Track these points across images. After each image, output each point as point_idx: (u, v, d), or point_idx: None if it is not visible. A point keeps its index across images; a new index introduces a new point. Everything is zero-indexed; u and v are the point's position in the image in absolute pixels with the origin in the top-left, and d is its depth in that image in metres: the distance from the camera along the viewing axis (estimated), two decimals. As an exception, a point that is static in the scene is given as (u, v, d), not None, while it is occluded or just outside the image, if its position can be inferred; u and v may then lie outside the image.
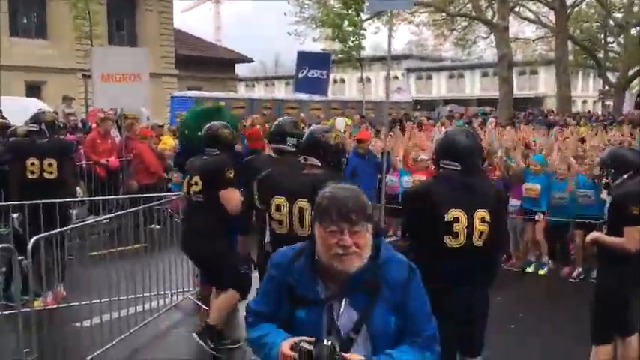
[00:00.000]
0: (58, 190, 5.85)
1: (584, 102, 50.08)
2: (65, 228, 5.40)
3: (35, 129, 5.94)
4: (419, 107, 39.87)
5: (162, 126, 11.80)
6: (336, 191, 2.05)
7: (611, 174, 3.92)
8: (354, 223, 1.98)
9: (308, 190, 3.11)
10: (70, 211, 6.69)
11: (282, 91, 60.47)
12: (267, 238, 3.51)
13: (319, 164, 3.27)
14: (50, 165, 5.88)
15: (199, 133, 4.93)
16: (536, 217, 7.08)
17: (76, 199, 6.31)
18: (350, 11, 20.78)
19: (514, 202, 7.15)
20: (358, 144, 7.55)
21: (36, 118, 6.05)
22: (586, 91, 51.44)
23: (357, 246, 1.99)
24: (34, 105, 13.23)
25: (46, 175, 5.88)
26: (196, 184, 4.51)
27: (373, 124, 14.82)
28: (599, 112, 33.18)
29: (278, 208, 3.26)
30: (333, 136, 3.35)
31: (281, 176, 3.39)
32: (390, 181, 8.28)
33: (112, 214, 6.11)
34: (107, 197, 7.06)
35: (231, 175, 4.37)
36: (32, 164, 5.84)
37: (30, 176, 5.85)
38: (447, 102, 48.79)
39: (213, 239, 4.45)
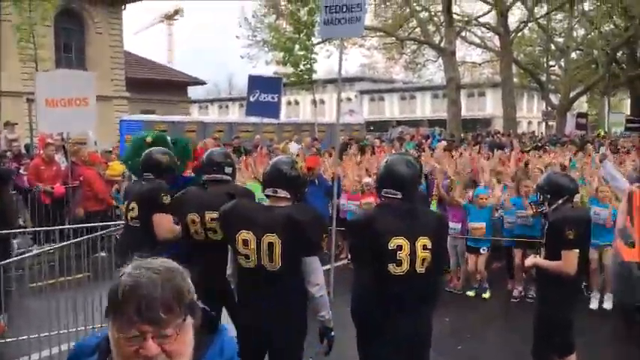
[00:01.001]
0: None
1: (529, 123, 51.81)
2: (6, 261, 5.25)
3: None
4: (372, 128, 40.42)
5: (110, 151, 11.58)
6: (138, 277, 1.40)
7: (548, 199, 4.05)
8: (162, 324, 1.38)
9: (279, 225, 3.16)
10: (12, 240, 6.50)
11: (236, 113, 60.42)
12: (229, 270, 3.48)
13: (289, 196, 3.28)
14: None
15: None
16: (481, 251, 7.16)
17: (17, 231, 6.08)
18: (301, 35, 21.06)
19: (454, 225, 7.18)
20: (308, 171, 7.57)
21: None
22: (531, 112, 53.32)
23: (169, 355, 1.40)
24: (-24, 130, 12.85)
25: None
26: (133, 209, 4.46)
27: (324, 147, 14.93)
28: (543, 133, 34.36)
29: (245, 242, 3.21)
30: (297, 167, 3.40)
31: (247, 209, 3.34)
32: (342, 205, 8.35)
33: (56, 245, 5.94)
34: (51, 228, 6.86)
35: (166, 201, 4.28)
36: None
37: None
38: (399, 123, 49.66)
39: None
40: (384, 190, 3.21)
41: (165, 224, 4.30)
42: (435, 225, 3.24)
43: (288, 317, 3.22)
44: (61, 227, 7.24)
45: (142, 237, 4.34)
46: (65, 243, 5.92)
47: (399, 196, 3.16)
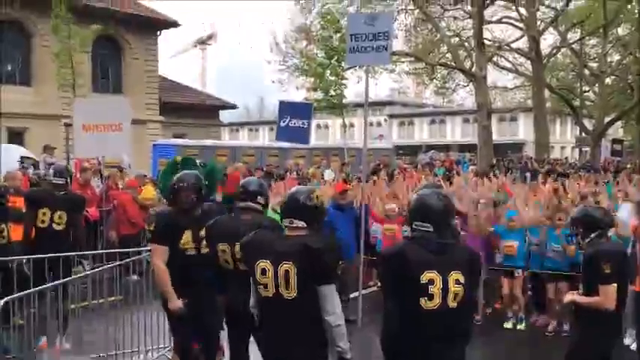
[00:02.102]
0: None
1: (563, 148, 51.02)
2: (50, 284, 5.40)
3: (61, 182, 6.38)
4: (401, 152, 40.34)
5: (145, 175, 11.79)
6: None
7: (581, 232, 4.01)
8: None
9: (295, 253, 3.22)
10: (84, 262, 6.83)
11: (266, 137, 60.95)
12: (252, 302, 3.52)
13: (305, 226, 3.33)
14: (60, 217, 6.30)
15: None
16: (516, 274, 7.09)
17: (51, 255, 6.19)
18: (332, 61, 21.24)
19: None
20: (340, 195, 7.57)
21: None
22: (564, 137, 52.52)
23: None
24: (16, 151, 13.23)
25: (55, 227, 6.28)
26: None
27: (354, 172, 14.95)
28: (577, 159, 33.83)
29: (263, 272, 3.28)
30: (315, 197, 3.43)
31: (265, 239, 3.42)
32: (372, 231, 8.32)
33: (90, 271, 6.05)
34: (85, 252, 7.02)
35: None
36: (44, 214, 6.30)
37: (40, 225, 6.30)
38: (428, 147, 49.46)
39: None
40: (416, 222, 3.21)
41: None
42: (467, 260, 3.23)
43: (306, 346, 3.25)
44: (94, 252, 7.39)
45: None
46: (97, 269, 6.03)
47: (431, 230, 3.15)
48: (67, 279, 5.65)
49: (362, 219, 7.20)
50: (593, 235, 3.95)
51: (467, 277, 3.12)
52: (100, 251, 7.38)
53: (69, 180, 6.53)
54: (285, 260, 3.22)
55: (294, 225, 3.34)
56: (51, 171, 6.62)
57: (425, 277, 3.04)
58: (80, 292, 6.13)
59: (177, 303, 4.34)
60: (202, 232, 4.24)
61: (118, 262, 5.78)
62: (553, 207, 7.26)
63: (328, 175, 13.68)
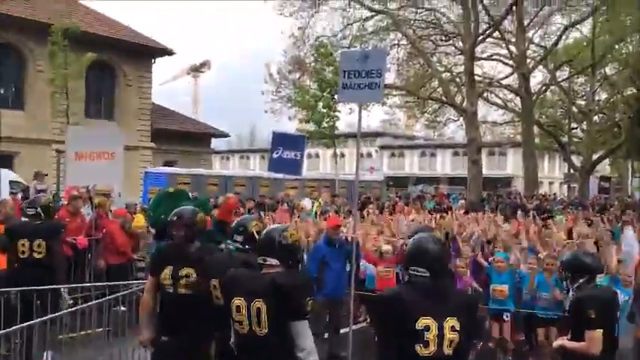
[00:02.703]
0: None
1: (551, 183, 51.45)
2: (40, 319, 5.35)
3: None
4: (391, 184, 40.48)
5: (136, 204, 11.77)
6: None
7: (570, 277, 4.04)
8: None
9: (266, 290, 3.27)
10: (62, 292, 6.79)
11: (257, 165, 61.02)
12: (232, 338, 3.52)
13: (277, 263, 3.38)
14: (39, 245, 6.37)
15: (162, 217, 4.99)
16: (505, 318, 7.05)
17: (40, 288, 6.14)
18: (324, 94, 21.45)
19: None
20: (333, 231, 7.54)
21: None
22: (552, 172, 53.00)
23: None
24: (5, 176, 13.17)
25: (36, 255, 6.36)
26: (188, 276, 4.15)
27: (344, 204, 14.96)
28: (565, 195, 34.09)
29: (238, 309, 3.34)
30: (289, 235, 3.48)
31: (240, 276, 3.47)
32: (361, 266, 8.30)
33: (80, 306, 5.99)
34: (73, 285, 7.02)
35: None
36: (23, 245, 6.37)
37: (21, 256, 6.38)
38: (418, 179, 49.68)
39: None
40: (412, 267, 3.20)
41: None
42: (464, 305, 3.23)
43: None
44: (82, 285, 7.34)
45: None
46: (86, 304, 5.97)
47: (427, 275, 3.15)
48: (57, 314, 5.58)
49: (353, 255, 7.18)
50: (581, 281, 3.98)
51: (463, 324, 3.11)
52: (89, 284, 7.33)
53: (41, 210, 6.52)
54: (256, 298, 3.28)
55: (268, 263, 3.39)
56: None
57: (420, 323, 3.04)
58: (68, 323, 6.06)
59: (141, 336, 4.26)
60: (186, 271, 4.09)
61: (107, 297, 5.72)
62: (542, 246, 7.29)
63: (307, 203, 13.72)
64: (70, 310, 6.04)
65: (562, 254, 6.22)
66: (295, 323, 3.27)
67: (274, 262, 3.39)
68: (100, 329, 6.10)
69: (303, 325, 3.29)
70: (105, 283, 6.58)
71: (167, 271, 4.14)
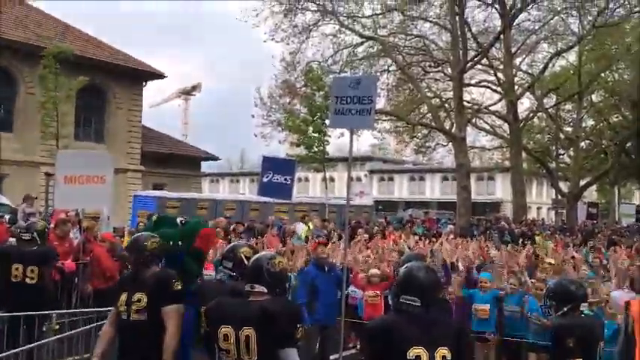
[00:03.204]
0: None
1: (539, 208, 51.74)
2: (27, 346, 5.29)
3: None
4: (380, 208, 40.55)
5: (124, 228, 11.71)
6: None
7: (554, 305, 4.04)
8: None
9: (255, 318, 3.26)
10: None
11: (247, 188, 60.92)
12: None
13: (266, 291, 3.38)
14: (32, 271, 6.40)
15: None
16: (487, 336, 7.04)
17: (28, 313, 6.09)
18: (315, 118, 21.59)
19: None
20: (317, 252, 7.52)
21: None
22: (540, 197, 53.35)
23: None
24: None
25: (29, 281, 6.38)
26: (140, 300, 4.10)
27: (335, 229, 14.97)
28: (553, 220, 34.30)
29: (225, 337, 3.31)
30: (277, 263, 3.49)
31: (227, 305, 3.45)
32: (352, 292, 8.28)
33: (67, 333, 5.93)
34: (62, 311, 7.00)
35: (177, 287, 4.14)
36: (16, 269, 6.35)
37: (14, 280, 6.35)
38: (407, 204, 49.81)
39: None
40: (403, 297, 3.19)
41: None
42: (455, 335, 3.21)
43: None
44: (69, 311, 7.29)
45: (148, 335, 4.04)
46: (73, 331, 5.92)
47: (419, 304, 3.14)
48: (44, 340, 5.52)
49: (344, 281, 7.16)
50: (566, 309, 3.97)
51: (453, 353, 3.10)
52: (77, 310, 7.27)
53: (37, 235, 6.56)
54: (245, 326, 3.26)
55: (255, 290, 3.39)
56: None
57: (412, 352, 3.02)
58: (56, 349, 6.00)
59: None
60: (138, 296, 4.05)
61: (94, 324, 5.65)
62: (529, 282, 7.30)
63: (300, 229, 13.70)
64: (57, 337, 5.98)
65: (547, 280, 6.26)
66: (285, 351, 3.26)
67: (262, 289, 3.38)
68: (87, 355, 6.01)
69: (292, 353, 3.28)
70: (92, 309, 6.50)
71: (123, 297, 4.13)
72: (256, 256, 3.66)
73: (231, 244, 4.59)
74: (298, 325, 3.34)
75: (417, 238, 12.60)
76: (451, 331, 3.24)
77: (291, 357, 3.27)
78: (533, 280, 7.38)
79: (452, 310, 7.12)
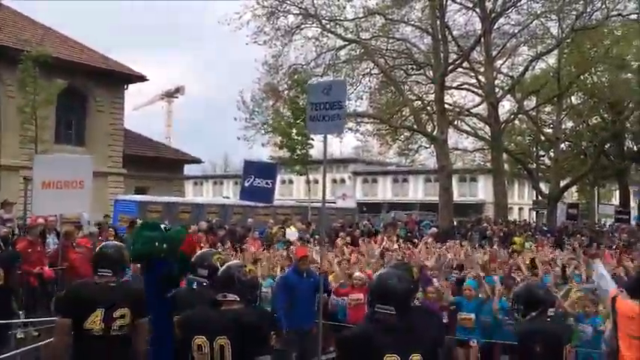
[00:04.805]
0: None
1: (521, 209, 52.23)
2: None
3: None
4: (364, 209, 40.60)
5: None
6: None
7: (522, 310, 4.07)
8: None
9: (229, 327, 3.29)
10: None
11: (230, 191, 60.71)
12: None
13: (237, 299, 3.41)
14: None
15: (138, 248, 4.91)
16: (471, 343, 7.10)
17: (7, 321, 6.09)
18: (299, 121, 21.59)
19: None
20: (300, 261, 7.53)
21: None
22: (522, 198, 53.85)
23: None
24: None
25: None
26: (123, 316, 3.97)
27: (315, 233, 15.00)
28: (534, 220, 34.63)
29: (200, 348, 3.32)
30: (247, 271, 3.57)
31: (200, 315, 3.47)
32: (332, 299, 8.28)
33: (41, 343, 5.91)
34: (40, 319, 7.02)
35: None
36: None
37: None
38: (391, 205, 49.98)
39: None
40: (377, 305, 3.22)
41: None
42: (429, 340, 3.27)
43: None
44: (48, 319, 7.26)
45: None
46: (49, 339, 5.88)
47: (393, 312, 3.18)
48: (20, 350, 5.52)
49: (321, 285, 7.19)
50: (533, 314, 3.99)
51: (427, 357, 3.16)
52: (54, 318, 7.22)
53: (0, 241, 7.18)
54: (219, 335, 3.28)
55: (228, 299, 3.42)
56: None
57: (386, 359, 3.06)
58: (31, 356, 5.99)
59: None
60: (120, 312, 3.94)
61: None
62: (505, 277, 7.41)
63: (291, 235, 13.69)
64: (35, 345, 5.97)
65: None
66: (259, 358, 3.29)
67: (234, 297, 3.42)
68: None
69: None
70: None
71: (98, 313, 3.93)
72: (226, 264, 3.71)
73: (201, 252, 4.61)
74: (272, 333, 3.38)
75: (398, 242, 12.62)
76: (426, 336, 3.29)
77: None
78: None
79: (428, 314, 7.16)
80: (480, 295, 7.34)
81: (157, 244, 4.51)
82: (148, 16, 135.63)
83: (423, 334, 3.28)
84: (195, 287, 4.23)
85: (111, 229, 12.18)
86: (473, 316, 7.14)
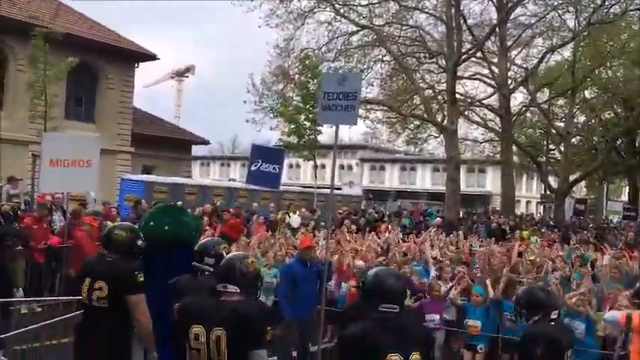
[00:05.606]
0: None
1: (528, 202, 52.03)
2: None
3: None
4: (371, 196, 40.62)
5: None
6: None
7: (524, 314, 4.03)
8: None
9: (227, 318, 3.27)
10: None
11: (237, 173, 60.76)
12: None
13: (238, 291, 3.38)
14: None
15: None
16: (479, 349, 7.06)
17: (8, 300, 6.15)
18: (308, 106, 21.49)
19: (431, 317, 7.22)
20: (304, 251, 7.49)
21: None
22: (530, 192, 53.61)
23: None
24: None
25: None
26: (101, 289, 4.18)
27: (323, 217, 14.99)
28: (541, 213, 34.52)
29: (196, 337, 3.30)
30: (249, 263, 3.50)
31: (200, 304, 3.44)
32: (329, 287, 8.29)
33: (46, 322, 5.95)
34: (43, 299, 7.11)
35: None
36: None
37: None
38: (398, 193, 49.92)
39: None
40: (383, 305, 3.21)
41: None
42: (424, 340, 3.32)
43: None
44: (52, 299, 7.37)
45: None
46: (53, 320, 5.95)
47: (397, 310, 3.21)
48: (25, 329, 5.58)
49: (324, 274, 7.18)
50: (536, 317, 3.95)
51: (425, 357, 3.19)
52: (58, 298, 7.35)
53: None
54: (217, 326, 3.26)
55: (228, 290, 3.39)
56: None
57: (388, 359, 3.07)
58: (33, 333, 6.03)
59: None
60: (98, 284, 4.14)
61: (74, 314, 5.67)
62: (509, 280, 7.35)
63: (295, 221, 13.69)
64: (39, 324, 6.02)
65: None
66: (255, 352, 3.26)
67: (234, 289, 3.39)
68: (66, 340, 6.04)
69: (262, 354, 3.29)
70: (72, 298, 6.49)
71: (86, 282, 4.24)
72: (229, 255, 3.68)
73: (206, 240, 4.59)
74: (269, 327, 3.36)
75: (399, 235, 12.48)
76: (421, 336, 3.34)
77: (262, 358, 3.28)
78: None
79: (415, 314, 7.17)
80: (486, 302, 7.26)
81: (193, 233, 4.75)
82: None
83: (419, 333, 3.33)
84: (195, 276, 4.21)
85: (113, 209, 12.22)
86: (479, 323, 7.04)
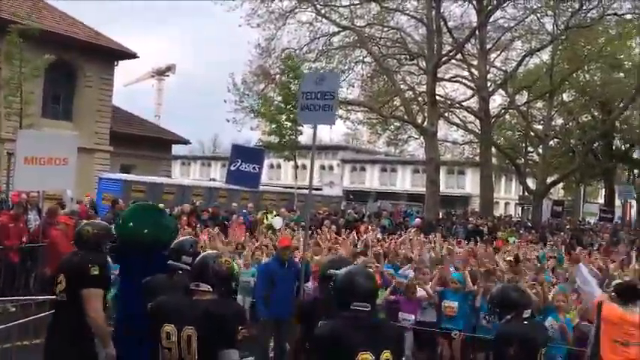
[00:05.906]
0: None
1: (507, 204, 52.52)
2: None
3: None
4: (351, 197, 40.67)
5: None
6: None
7: (497, 313, 4.07)
8: None
9: (198, 317, 3.24)
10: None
11: (217, 173, 60.45)
12: None
13: (210, 290, 3.36)
14: None
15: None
16: (453, 335, 7.14)
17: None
18: (289, 106, 21.45)
19: (406, 316, 7.29)
20: (282, 250, 7.45)
21: None
22: (509, 193, 54.11)
23: None
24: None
25: None
26: (61, 282, 4.25)
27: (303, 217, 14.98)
28: (520, 215, 34.87)
29: (168, 336, 3.28)
30: (223, 262, 3.47)
31: (172, 303, 3.42)
32: (307, 288, 8.28)
33: (21, 321, 5.85)
34: (17, 298, 6.94)
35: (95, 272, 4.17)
36: None
37: None
38: (378, 194, 50.09)
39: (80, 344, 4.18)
40: (355, 303, 3.21)
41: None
42: (395, 337, 3.34)
43: None
44: (25, 299, 7.24)
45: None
46: (27, 319, 5.86)
47: (369, 309, 3.21)
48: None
49: (302, 274, 7.16)
50: (509, 316, 3.98)
51: (395, 355, 3.19)
52: (32, 297, 7.23)
53: None
54: (187, 325, 3.23)
55: (201, 289, 3.36)
56: None
57: (360, 357, 3.08)
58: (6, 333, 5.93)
59: None
60: (59, 278, 4.23)
61: (47, 313, 5.58)
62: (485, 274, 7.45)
63: (277, 223, 13.62)
64: (13, 323, 5.92)
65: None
66: (226, 352, 3.24)
67: (207, 288, 3.36)
68: (38, 341, 5.96)
69: (233, 354, 3.27)
70: (46, 297, 6.40)
71: (58, 278, 4.32)
72: (202, 254, 3.65)
73: (184, 239, 4.55)
74: (240, 327, 3.34)
75: (379, 235, 12.56)
76: (393, 334, 3.36)
77: (232, 358, 3.26)
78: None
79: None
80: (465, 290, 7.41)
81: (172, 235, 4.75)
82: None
83: (389, 332, 3.34)
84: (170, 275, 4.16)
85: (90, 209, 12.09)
86: (456, 304, 7.24)
